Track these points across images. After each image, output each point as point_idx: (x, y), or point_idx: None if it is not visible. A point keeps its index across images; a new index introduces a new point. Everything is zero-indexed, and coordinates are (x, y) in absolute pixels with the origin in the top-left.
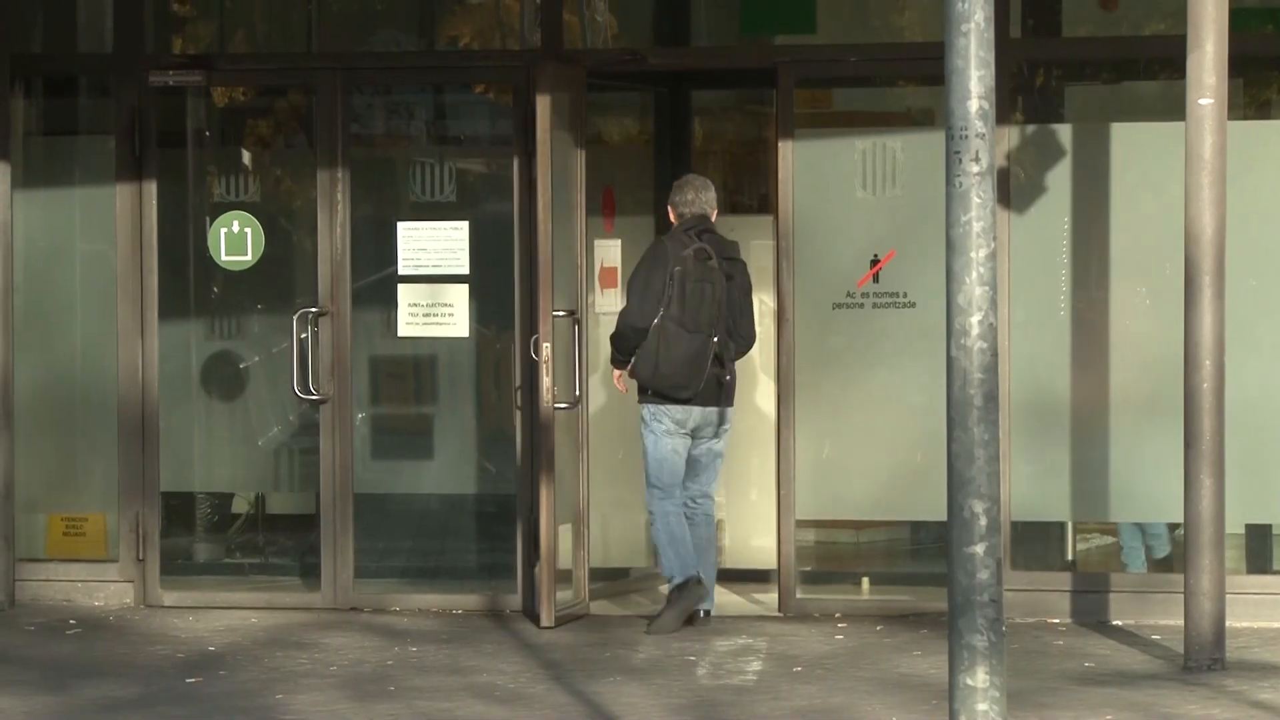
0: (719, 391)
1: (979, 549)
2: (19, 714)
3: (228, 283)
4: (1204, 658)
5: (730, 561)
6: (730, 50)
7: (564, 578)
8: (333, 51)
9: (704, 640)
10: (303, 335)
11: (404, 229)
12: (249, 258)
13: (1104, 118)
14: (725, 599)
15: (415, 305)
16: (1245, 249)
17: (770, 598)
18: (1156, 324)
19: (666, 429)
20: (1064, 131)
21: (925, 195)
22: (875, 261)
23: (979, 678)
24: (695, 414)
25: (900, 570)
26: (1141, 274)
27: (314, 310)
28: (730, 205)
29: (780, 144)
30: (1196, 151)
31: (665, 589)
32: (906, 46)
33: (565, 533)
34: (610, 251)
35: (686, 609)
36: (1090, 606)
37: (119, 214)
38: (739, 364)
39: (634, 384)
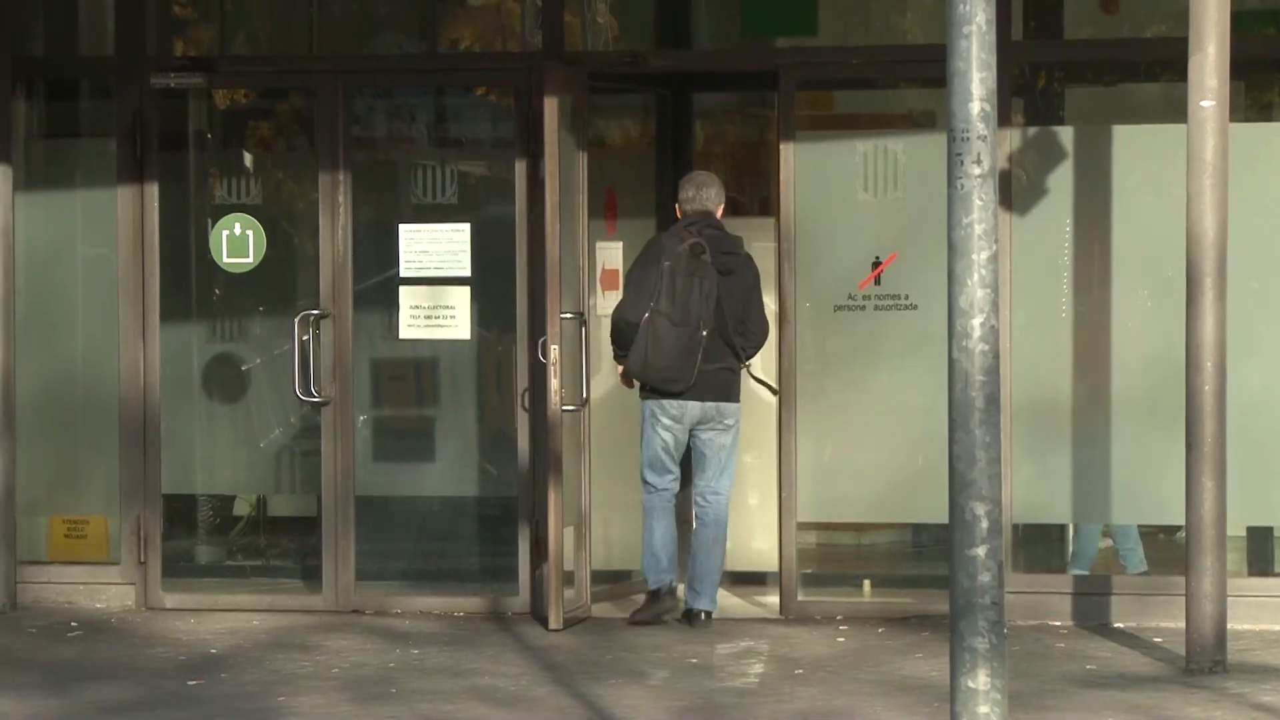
0: (717, 385)
1: (980, 551)
2: (21, 716)
3: (229, 285)
4: (1205, 660)
5: (731, 564)
6: (732, 52)
7: (566, 580)
8: (334, 54)
9: (706, 643)
10: (304, 337)
11: (405, 231)
12: (250, 260)
13: (1105, 120)
14: (727, 601)
15: (417, 307)
16: (1247, 251)
17: (772, 600)
18: (1158, 326)
19: (662, 424)
20: (1065, 134)
21: (927, 197)
22: (877, 264)
23: (980, 680)
24: (691, 408)
25: (902, 572)
26: (1143, 276)
27: (315, 312)
28: (732, 207)
29: (782, 146)
30: (1198, 154)
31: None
32: (908, 49)
33: (568, 535)
34: (612, 254)
35: (656, 615)
36: (1092, 609)
37: (120, 216)
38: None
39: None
